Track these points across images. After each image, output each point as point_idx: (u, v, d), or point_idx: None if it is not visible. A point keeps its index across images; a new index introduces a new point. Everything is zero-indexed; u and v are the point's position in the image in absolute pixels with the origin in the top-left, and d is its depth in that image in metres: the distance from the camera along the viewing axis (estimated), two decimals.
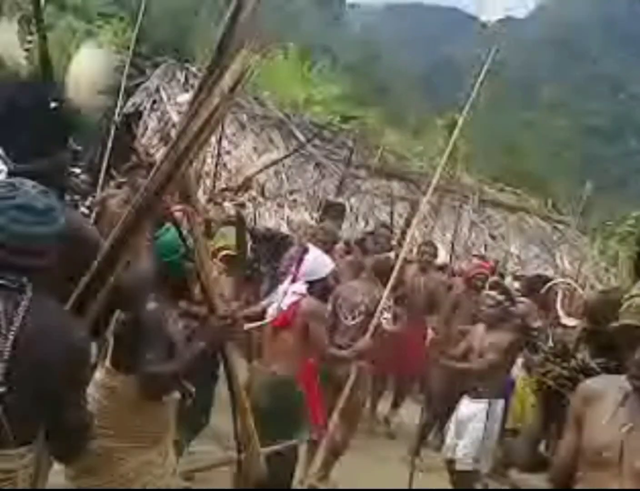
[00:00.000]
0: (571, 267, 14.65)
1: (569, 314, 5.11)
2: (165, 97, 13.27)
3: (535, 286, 7.47)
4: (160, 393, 3.16)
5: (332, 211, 9.41)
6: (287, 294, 5.08)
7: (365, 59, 38.99)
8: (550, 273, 13.69)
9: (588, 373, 3.30)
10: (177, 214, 3.23)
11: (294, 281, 5.15)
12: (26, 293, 2.19)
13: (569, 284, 8.16)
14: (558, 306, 5.33)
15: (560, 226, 16.57)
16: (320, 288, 5.14)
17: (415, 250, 9.01)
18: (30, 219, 2.18)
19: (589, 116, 57.19)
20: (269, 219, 11.69)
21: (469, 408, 6.25)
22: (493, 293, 6.41)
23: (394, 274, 5.34)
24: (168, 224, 3.31)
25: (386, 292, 5.42)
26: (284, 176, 12.74)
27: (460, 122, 6.18)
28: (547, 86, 60.75)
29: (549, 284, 7.24)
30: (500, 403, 6.27)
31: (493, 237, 14.81)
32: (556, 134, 42.90)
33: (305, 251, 5.33)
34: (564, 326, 6.24)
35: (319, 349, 5.13)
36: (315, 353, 5.21)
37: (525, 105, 48.35)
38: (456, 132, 5.98)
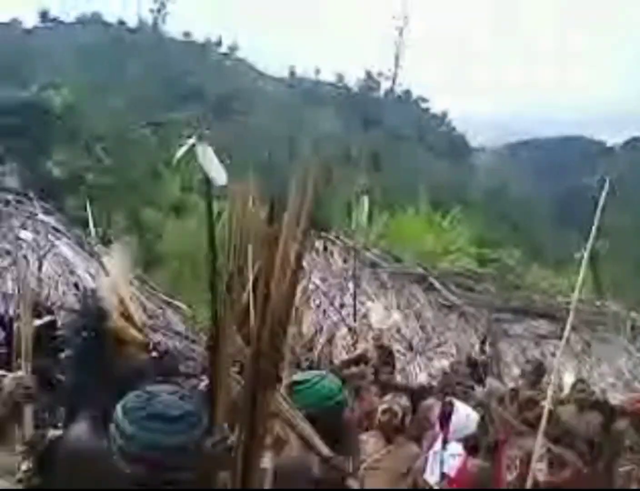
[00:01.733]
0: None
1: None
2: (308, 269, 13.89)
3: None
4: None
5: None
6: (445, 457, 4.96)
7: (496, 199, 39.37)
8: None
9: None
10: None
11: (445, 441, 5.03)
12: None
13: None
14: None
15: None
16: (472, 444, 5.05)
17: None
18: (160, 427, 1.92)
19: None
20: (420, 374, 11.79)
21: None
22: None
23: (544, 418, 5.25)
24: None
25: (538, 438, 5.26)
26: (429, 329, 12.92)
27: (585, 253, 6.13)
28: None
29: None
30: None
31: None
32: None
33: (451, 406, 5.21)
34: None
35: None
36: None
37: None
38: (584, 264, 5.85)
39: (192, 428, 1.94)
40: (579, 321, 14.89)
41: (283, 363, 2.73)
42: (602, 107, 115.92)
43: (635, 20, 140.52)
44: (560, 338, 14.05)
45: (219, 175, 2.18)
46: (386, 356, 8.82)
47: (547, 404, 6.53)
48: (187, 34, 59.25)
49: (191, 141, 2.10)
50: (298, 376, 3.87)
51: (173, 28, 59.90)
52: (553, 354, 13.54)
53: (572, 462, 6.28)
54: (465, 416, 5.09)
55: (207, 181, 2.15)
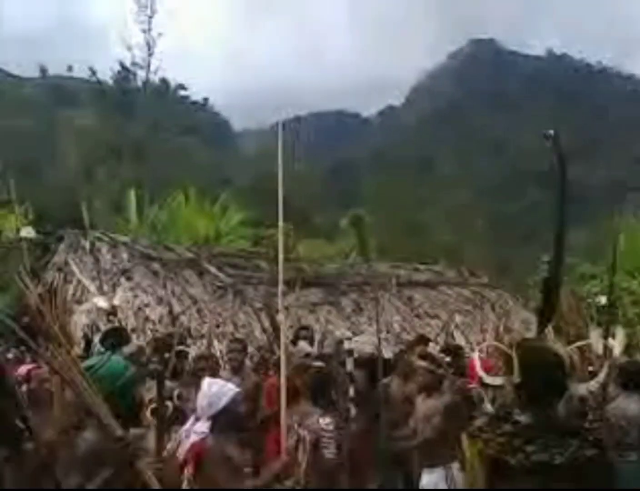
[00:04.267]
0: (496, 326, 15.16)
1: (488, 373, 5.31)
2: (76, 268, 13.47)
3: (455, 353, 7.83)
4: None
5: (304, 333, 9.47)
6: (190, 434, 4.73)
7: (263, 179, 40.10)
8: (479, 337, 14.23)
9: (520, 432, 3.38)
10: None
11: (197, 419, 4.81)
12: None
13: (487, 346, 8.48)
14: (477, 368, 5.56)
15: (478, 289, 17.24)
16: (225, 422, 4.71)
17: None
18: None
19: (483, 180, 59.51)
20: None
21: (429, 479, 6.51)
22: (423, 363, 6.74)
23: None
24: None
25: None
26: (207, 313, 12.98)
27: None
28: (438, 161, 63.26)
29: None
30: (455, 466, 6.36)
31: (418, 316, 15.29)
32: (458, 203, 44.56)
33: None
34: (487, 386, 6.62)
35: None
36: None
37: (422, 184, 50.10)
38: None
39: None
40: (347, 284, 15.70)
41: None
42: (348, 78, 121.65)
43: None
44: (331, 303, 14.80)
45: None
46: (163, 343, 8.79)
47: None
48: None
49: None
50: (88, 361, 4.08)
51: None
52: (327, 320, 14.20)
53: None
54: (209, 393, 4.78)
55: None
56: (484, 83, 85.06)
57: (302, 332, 9.18)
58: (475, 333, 14.64)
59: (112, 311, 8.98)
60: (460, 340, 13.55)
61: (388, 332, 13.98)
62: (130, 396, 4.04)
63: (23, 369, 7.39)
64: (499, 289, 17.81)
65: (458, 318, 15.03)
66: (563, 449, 3.26)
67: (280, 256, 5.00)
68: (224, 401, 4.67)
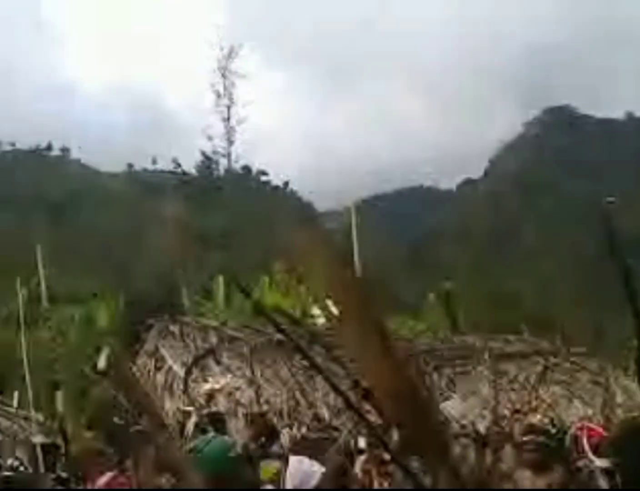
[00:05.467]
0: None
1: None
2: (166, 354, 13.62)
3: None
4: None
5: None
6: None
7: (348, 256, 40.31)
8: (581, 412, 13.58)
9: None
10: None
11: None
12: None
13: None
14: (586, 447, 5.24)
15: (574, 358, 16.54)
16: None
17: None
18: None
19: (571, 248, 58.15)
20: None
21: None
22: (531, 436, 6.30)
23: None
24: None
25: None
26: (298, 394, 12.83)
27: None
28: (523, 230, 62.27)
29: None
30: None
31: (514, 389, 14.74)
32: (546, 272, 43.60)
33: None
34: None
35: None
36: None
37: (507, 255, 49.35)
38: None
39: None
40: (440, 359, 15.31)
41: None
42: (425, 153, 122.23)
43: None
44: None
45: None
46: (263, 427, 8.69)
47: None
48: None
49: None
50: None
51: None
52: None
53: None
54: (300, 470, 4.79)
55: None
56: (563, 149, 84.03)
57: None
58: (574, 407, 13.98)
59: (210, 396, 8.96)
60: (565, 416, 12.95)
61: (484, 408, 13.52)
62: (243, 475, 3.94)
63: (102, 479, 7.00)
64: (596, 358, 17.04)
65: (556, 390, 14.42)
66: None
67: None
68: (314, 480, 4.61)
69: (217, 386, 9.06)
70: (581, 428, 6.53)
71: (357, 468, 5.87)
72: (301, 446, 7.54)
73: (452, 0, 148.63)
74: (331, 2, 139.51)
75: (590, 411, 13.73)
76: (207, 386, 9.03)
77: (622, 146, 78.36)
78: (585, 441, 5.02)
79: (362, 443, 7.18)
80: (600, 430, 6.94)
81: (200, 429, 7.37)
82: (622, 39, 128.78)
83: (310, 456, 6.29)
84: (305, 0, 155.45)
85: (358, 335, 1.77)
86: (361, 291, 1.82)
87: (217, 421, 7.63)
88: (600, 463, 4.09)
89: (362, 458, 6.17)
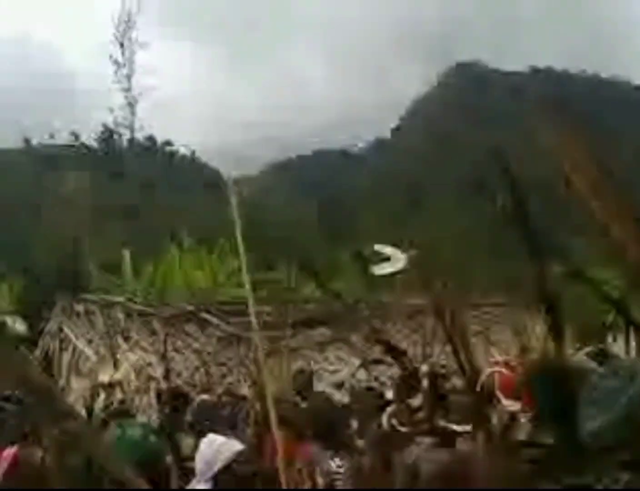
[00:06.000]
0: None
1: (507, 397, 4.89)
2: (71, 334, 13.05)
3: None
4: None
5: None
6: None
7: (256, 223, 39.92)
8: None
9: None
10: None
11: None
12: None
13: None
14: (498, 392, 5.11)
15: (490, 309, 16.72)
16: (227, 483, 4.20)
17: None
18: None
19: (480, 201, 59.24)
20: None
21: None
22: None
23: None
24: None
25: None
26: (213, 366, 12.50)
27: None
28: (435, 186, 63.02)
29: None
30: None
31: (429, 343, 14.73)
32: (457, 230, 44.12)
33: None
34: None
35: None
36: None
37: (423, 211, 49.70)
38: None
39: None
40: (357, 320, 15.15)
41: None
42: (334, 116, 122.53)
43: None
44: (340, 340, 14.23)
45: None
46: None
47: None
48: None
49: None
50: None
51: None
52: (338, 358, 13.67)
53: None
54: (209, 451, 4.29)
55: None
56: (469, 102, 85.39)
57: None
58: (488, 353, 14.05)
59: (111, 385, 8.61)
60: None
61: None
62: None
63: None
64: (511, 307, 17.24)
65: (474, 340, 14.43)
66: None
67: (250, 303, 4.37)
68: (224, 460, 4.15)
69: (117, 377, 8.62)
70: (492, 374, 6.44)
71: (384, 420, 5.75)
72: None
73: None
74: None
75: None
76: (105, 377, 8.56)
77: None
78: (497, 385, 4.96)
79: (389, 394, 7.21)
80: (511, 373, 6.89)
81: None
82: None
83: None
84: None
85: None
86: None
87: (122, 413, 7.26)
88: (514, 407, 4.05)
89: (390, 409, 6.04)
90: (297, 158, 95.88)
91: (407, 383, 6.35)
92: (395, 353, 6.61)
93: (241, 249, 4.18)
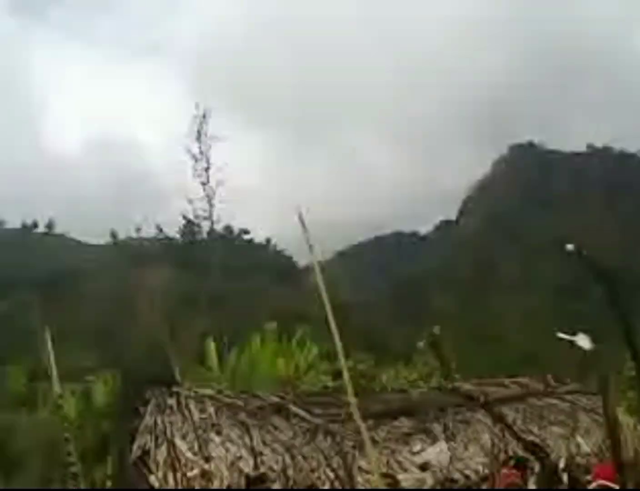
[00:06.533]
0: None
1: None
2: (167, 430, 13.48)
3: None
4: None
5: None
6: None
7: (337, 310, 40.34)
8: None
9: None
10: None
11: None
12: None
13: None
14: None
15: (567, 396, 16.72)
16: None
17: None
18: None
19: (549, 280, 58.43)
20: None
21: None
22: None
23: None
24: None
25: None
26: (300, 459, 12.82)
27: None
28: (502, 267, 62.58)
29: None
30: None
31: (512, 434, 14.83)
32: (528, 307, 43.79)
33: None
34: None
35: None
36: None
37: (489, 293, 49.55)
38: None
39: None
40: (436, 408, 15.40)
41: None
42: (399, 200, 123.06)
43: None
44: (424, 431, 14.49)
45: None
46: None
47: None
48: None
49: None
50: None
51: None
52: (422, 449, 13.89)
53: None
54: None
55: None
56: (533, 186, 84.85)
57: None
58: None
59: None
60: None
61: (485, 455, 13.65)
62: None
63: None
64: (588, 394, 17.20)
65: (555, 429, 14.56)
66: None
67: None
68: None
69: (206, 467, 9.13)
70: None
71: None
72: None
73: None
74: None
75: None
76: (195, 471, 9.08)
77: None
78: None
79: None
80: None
81: None
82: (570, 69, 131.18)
83: None
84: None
85: None
86: None
87: None
88: None
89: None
90: (364, 242, 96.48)
91: (548, 477, 6.82)
92: (535, 449, 7.03)
93: (336, 336, 4.65)
